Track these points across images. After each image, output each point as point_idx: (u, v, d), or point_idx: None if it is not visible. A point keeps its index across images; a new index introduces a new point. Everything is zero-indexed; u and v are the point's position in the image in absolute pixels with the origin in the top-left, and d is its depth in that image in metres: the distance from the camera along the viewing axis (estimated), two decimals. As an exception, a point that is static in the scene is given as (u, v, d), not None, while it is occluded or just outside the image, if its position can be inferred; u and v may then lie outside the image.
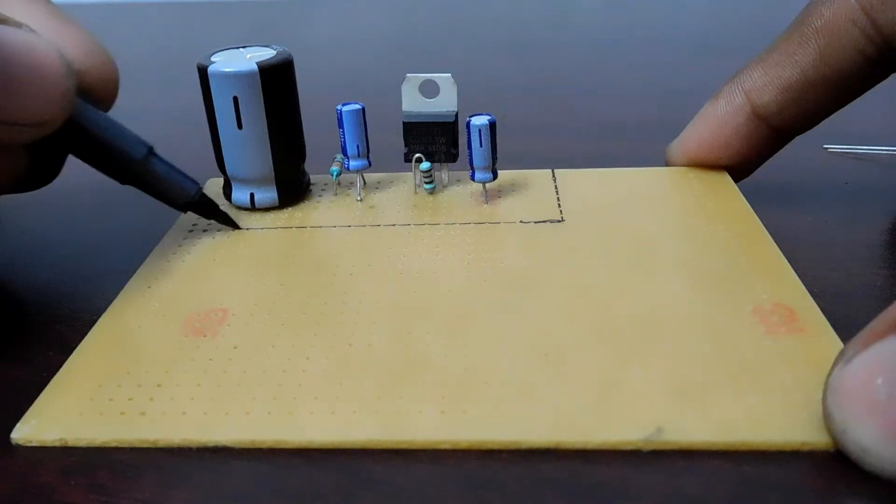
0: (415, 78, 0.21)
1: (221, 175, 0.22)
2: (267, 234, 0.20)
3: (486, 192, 0.22)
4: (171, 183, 0.19)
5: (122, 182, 0.19)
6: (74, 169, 0.19)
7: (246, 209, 0.21)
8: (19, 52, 0.15)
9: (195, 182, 0.20)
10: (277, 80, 0.20)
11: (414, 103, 0.21)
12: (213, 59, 0.20)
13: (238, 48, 0.21)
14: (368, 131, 0.21)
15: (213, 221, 0.21)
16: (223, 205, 0.22)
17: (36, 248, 0.22)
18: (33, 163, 0.18)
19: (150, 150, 0.19)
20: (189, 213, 0.21)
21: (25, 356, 0.17)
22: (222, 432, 0.14)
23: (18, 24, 0.16)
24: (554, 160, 0.24)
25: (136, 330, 0.17)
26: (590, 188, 0.22)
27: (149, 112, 0.34)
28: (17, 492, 0.13)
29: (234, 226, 0.21)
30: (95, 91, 0.19)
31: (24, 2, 0.18)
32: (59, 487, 0.13)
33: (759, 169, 0.22)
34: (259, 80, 0.20)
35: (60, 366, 0.16)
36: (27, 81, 0.16)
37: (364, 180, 0.22)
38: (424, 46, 0.47)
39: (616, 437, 0.13)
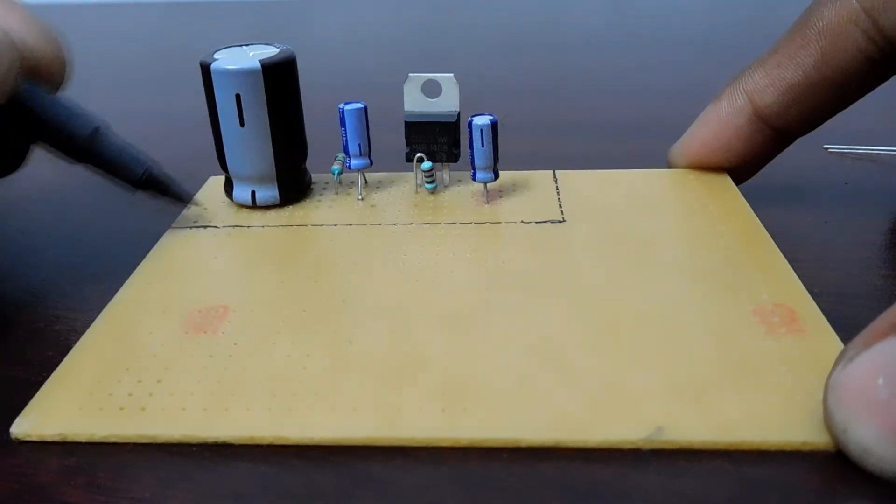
0: (417, 77, 0.21)
1: (223, 172, 0.22)
2: (268, 231, 0.20)
3: (487, 192, 0.22)
4: (120, 161, 0.19)
5: (71, 160, 0.19)
6: (73, 168, 0.19)
7: (247, 207, 0.21)
8: None
9: (146, 160, 0.19)
10: (280, 78, 0.20)
11: (416, 103, 0.21)
12: (215, 56, 0.20)
13: (241, 46, 0.21)
14: (370, 130, 0.21)
15: (210, 220, 0.21)
16: (224, 202, 0.22)
17: (35, 247, 0.22)
18: None
19: (98, 129, 0.19)
20: (190, 208, 0.21)
21: (24, 356, 0.17)
22: (222, 428, 0.14)
23: None
24: (555, 160, 0.24)
25: (137, 326, 0.17)
26: (591, 189, 0.22)
27: (150, 112, 0.34)
28: (17, 491, 0.13)
29: (188, 198, 0.21)
30: (42, 70, 0.18)
31: None
32: (59, 487, 0.13)
33: (759, 170, 0.22)
34: (262, 78, 0.20)
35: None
36: None
37: (365, 179, 0.22)
38: (427, 46, 0.47)
39: (616, 436, 0.13)
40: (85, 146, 0.19)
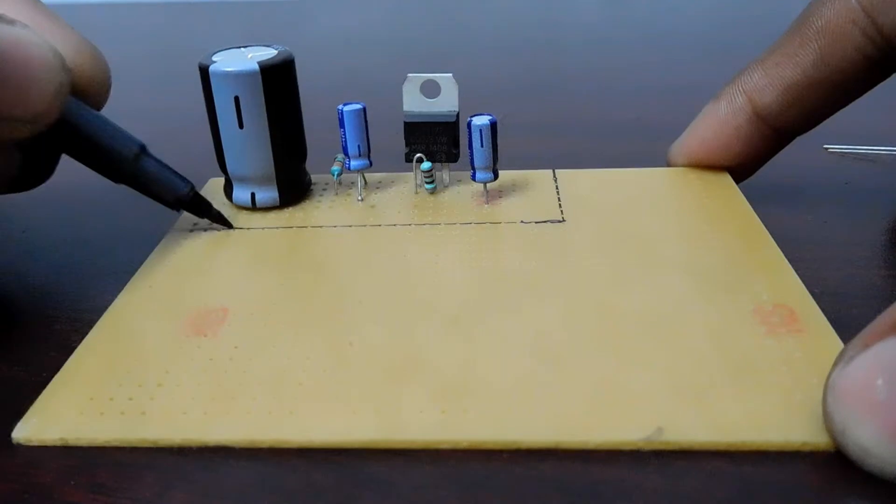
0: (416, 78, 0.21)
1: (223, 174, 0.22)
2: (268, 233, 0.20)
3: (486, 192, 0.22)
4: (162, 181, 0.19)
5: (115, 181, 0.19)
6: (75, 168, 0.19)
7: (247, 209, 0.21)
8: (13, 48, 0.15)
9: (187, 181, 0.20)
10: (278, 80, 0.20)
11: (415, 103, 0.21)
12: (214, 58, 0.20)
13: (239, 48, 0.21)
14: (369, 131, 0.21)
15: (210, 222, 0.21)
16: (224, 204, 0.22)
17: (37, 247, 0.22)
18: (26, 162, 0.18)
19: (143, 149, 0.19)
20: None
21: (25, 356, 0.17)
22: (223, 432, 0.14)
23: (11, 21, 0.16)
24: (555, 160, 0.24)
25: (137, 329, 0.17)
26: (591, 188, 0.22)
27: (149, 112, 0.34)
28: (17, 492, 0.13)
29: (228, 225, 0.21)
30: (87, 89, 0.19)
31: (10, 2, 0.18)
32: (59, 487, 0.13)
33: (759, 169, 0.22)
34: (260, 80, 0.20)
35: (61, 366, 0.16)
36: (21, 76, 0.16)
37: (365, 180, 0.22)
38: (426, 46, 0.47)
39: (616, 437, 0.13)
40: (131, 166, 0.19)
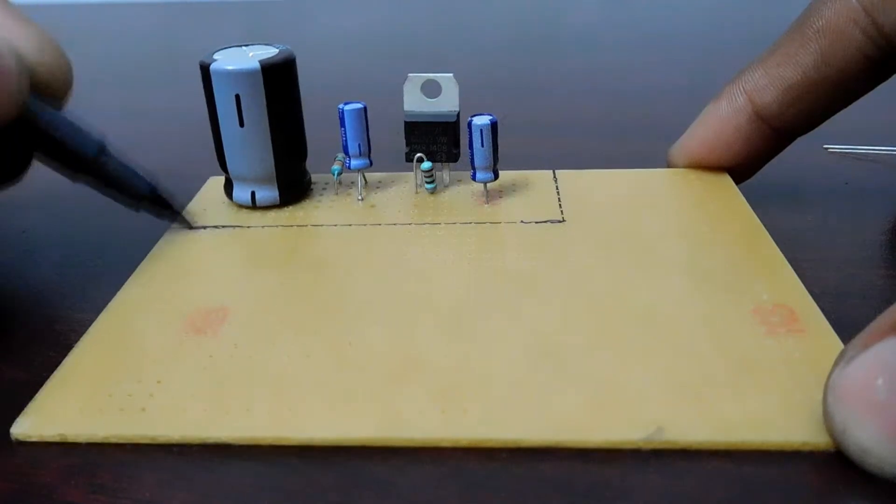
0: (417, 78, 0.21)
1: (223, 173, 0.22)
2: (268, 232, 0.20)
3: (486, 192, 0.22)
4: (121, 181, 0.19)
5: (73, 180, 0.19)
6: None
7: (247, 207, 0.21)
8: None
9: (147, 180, 0.20)
10: (279, 79, 0.20)
11: (415, 103, 0.21)
12: (215, 56, 0.20)
13: (240, 46, 0.21)
14: (370, 130, 0.21)
15: (210, 220, 0.21)
16: (224, 202, 0.22)
17: (37, 247, 0.22)
18: None
19: (102, 148, 0.19)
20: (186, 211, 0.21)
21: (25, 356, 0.17)
22: (222, 430, 0.14)
23: None
24: (555, 160, 0.24)
25: (137, 327, 0.17)
26: (591, 189, 0.22)
27: (149, 112, 0.34)
28: (17, 491, 0.13)
29: (189, 225, 0.21)
30: (48, 87, 0.18)
31: None
32: (59, 486, 0.13)
33: (759, 169, 0.22)
34: (261, 79, 0.20)
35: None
36: None
37: (365, 179, 0.22)
38: (426, 46, 0.47)
39: (616, 436, 0.13)
40: (90, 164, 0.19)
